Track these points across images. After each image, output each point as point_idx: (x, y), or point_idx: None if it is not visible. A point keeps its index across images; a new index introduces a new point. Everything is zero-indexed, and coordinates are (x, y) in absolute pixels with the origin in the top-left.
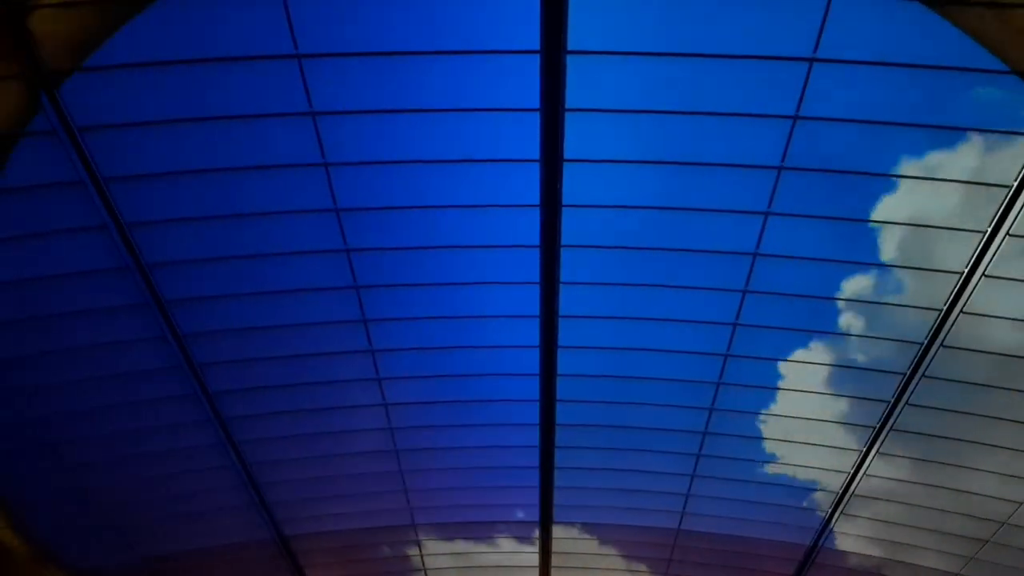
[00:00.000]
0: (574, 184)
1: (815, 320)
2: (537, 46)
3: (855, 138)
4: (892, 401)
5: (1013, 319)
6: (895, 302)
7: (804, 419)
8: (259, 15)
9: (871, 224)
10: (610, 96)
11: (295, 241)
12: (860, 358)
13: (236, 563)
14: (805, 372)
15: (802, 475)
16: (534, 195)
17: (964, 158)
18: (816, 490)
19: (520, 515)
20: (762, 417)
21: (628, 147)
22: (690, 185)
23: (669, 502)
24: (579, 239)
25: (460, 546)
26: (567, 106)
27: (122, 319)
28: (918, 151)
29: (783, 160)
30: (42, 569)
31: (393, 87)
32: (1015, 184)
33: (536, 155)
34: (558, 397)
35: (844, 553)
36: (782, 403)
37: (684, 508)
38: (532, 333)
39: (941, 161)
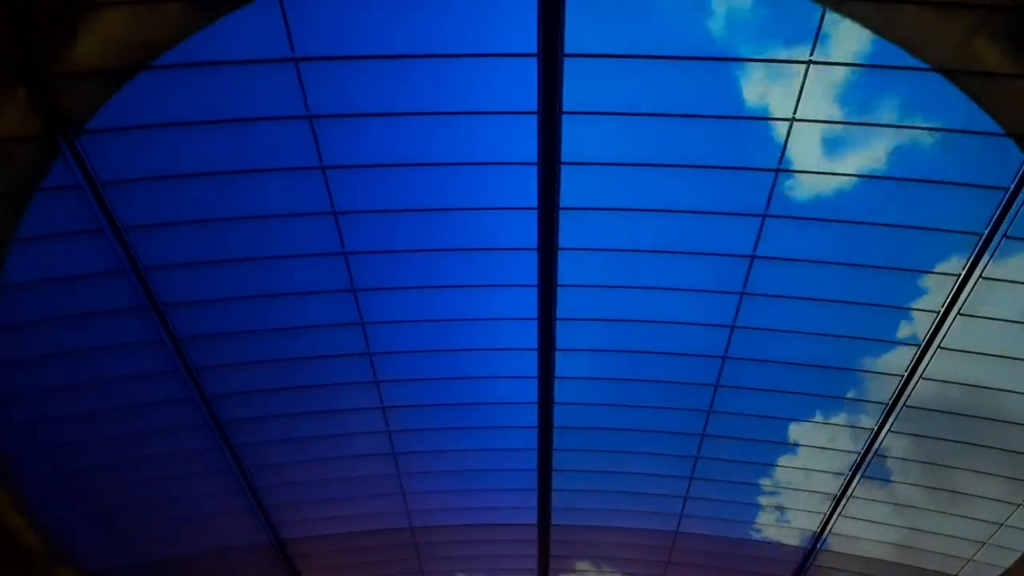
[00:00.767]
0: (572, 187)
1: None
2: (534, 49)
3: None
4: (889, 404)
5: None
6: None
7: (802, 421)
8: (257, 15)
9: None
10: (608, 98)
11: (292, 244)
12: (864, 363)
13: (233, 566)
14: (804, 373)
15: (800, 478)
16: (532, 198)
17: None
18: (814, 492)
19: (518, 517)
20: (760, 419)
21: (626, 150)
22: (688, 187)
23: (667, 504)
24: (577, 242)
25: (458, 549)
26: (564, 108)
27: (119, 322)
28: None
29: (780, 163)
30: (56, 567)
31: (391, 90)
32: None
33: (534, 157)
34: (556, 400)
35: (841, 555)
36: (780, 405)
37: (682, 510)
38: (530, 336)
39: None
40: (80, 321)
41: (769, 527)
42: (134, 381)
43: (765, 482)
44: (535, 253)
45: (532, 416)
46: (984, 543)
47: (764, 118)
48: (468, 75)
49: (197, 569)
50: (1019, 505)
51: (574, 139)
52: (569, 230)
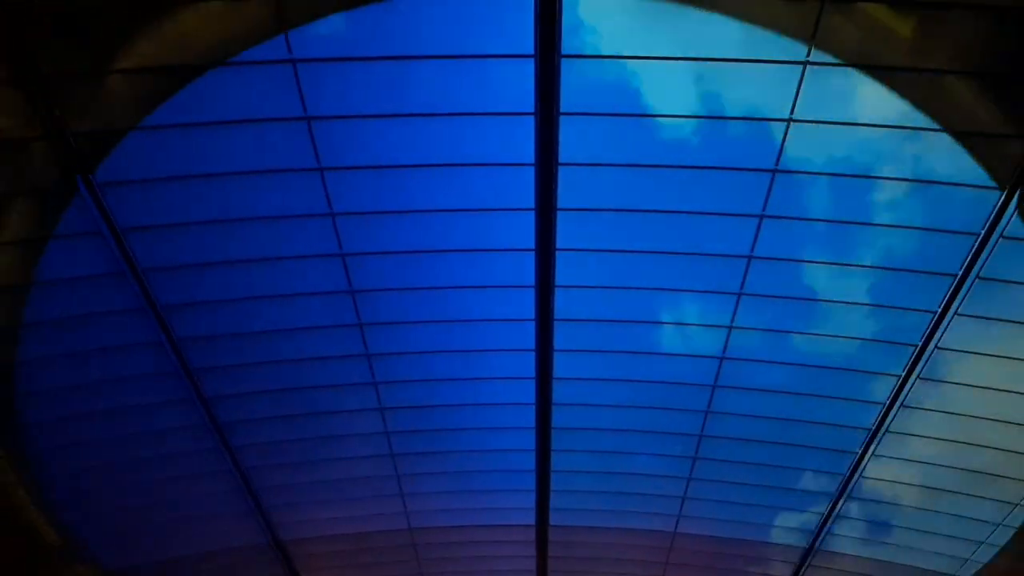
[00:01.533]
0: (569, 188)
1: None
2: (531, 50)
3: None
4: (887, 402)
5: None
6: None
7: (800, 422)
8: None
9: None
10: (605, 101)
11: (290, 245)
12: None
13: (232, 568)
14: (802, 375)
15: (798, 477)
16: (529, 199)
17: None
18: (812, 492)
19: (517, 518)
20: (758, 420)
21: (623, 150)
22: (686, 188)
23: (666, 505)
24: (574, 242)
25: (456, 550)
26: (562, 110)
27: (117, 324)
28: None
29: (777, 164)
30: (72, 565)
31: (388, 91)
32: None
33: (531, 159)
34: (554, 401)
35: (840, 555)
36: (778, 406)
37: (680, 511)
38: (528, 337)
39: None
40: (78, 322)
41: (767, 527)
42: (131, 382)
43: (763, 482)
44: (532, 254)
45: (530, 417)
46: (982, 543)
47: (761, 119)
48: (466, 76)
49: (196, 571)
50: (1016, 505)
51: (571, 140)
52: (566, 231)
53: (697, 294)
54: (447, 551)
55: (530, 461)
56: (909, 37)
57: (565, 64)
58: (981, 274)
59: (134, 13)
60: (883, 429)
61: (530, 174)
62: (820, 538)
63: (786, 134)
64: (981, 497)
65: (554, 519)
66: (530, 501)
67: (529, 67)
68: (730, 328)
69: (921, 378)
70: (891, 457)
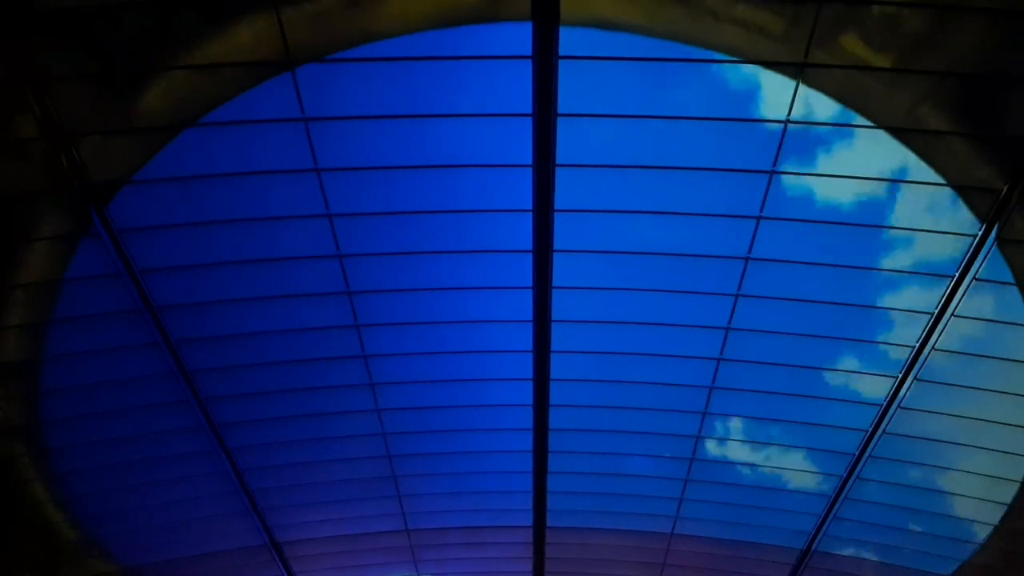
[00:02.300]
0: (567, 189)
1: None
2: (529, 51)
3: None
4: (884, 405)
5: None
6: (885, 307)
7: (798, 423)
8: None
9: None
10: (603, 101)
11: (287, 247)
12: (854, 363)
13: (228, 569)
14: (800, 375)
15: (795, 479)
16: (527, 200)
17: None
18: (809, 494)
19: (514, 520)
20: (755, 421)
21: (621, 152)
22: (683, 189)
23: (663, 507)
24: (572, 244)
25: (453, 551)
26: (560, 111)
27: (114, 325)
28: None
29: (774, 165)
30: (89, 560)
31: (386, 92)
32: None
33: (529, 160)
34: (552, 402)
35: (836, 557)
36: (776, 407)
37: (678, 512)
38: (526, 338)
39: None
40: (77, 324)
41: (764, 528)
42: (128, 384)
43: (760, 483)
44: (530, 255)
45: (528, 418)
46: (978, 543)
47: (759, 120)
48: (464, 77)
49: (192, 572)
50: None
51: (569, 141)
52: (564, 232)
53: (695, 295)
54: (444, 552)
55: (527, 462)
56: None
57: (563, 65)
58: (978, 275)
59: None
60: (880, 430)
61: (527, 175)
62: (817, 539)
63: (783, 136)
64: (976, 498)
65: (551, 520)
66: (527, 502)
67: (527, 68)
68: (727, 329)
69: (918, 380)
70: (888, 458)
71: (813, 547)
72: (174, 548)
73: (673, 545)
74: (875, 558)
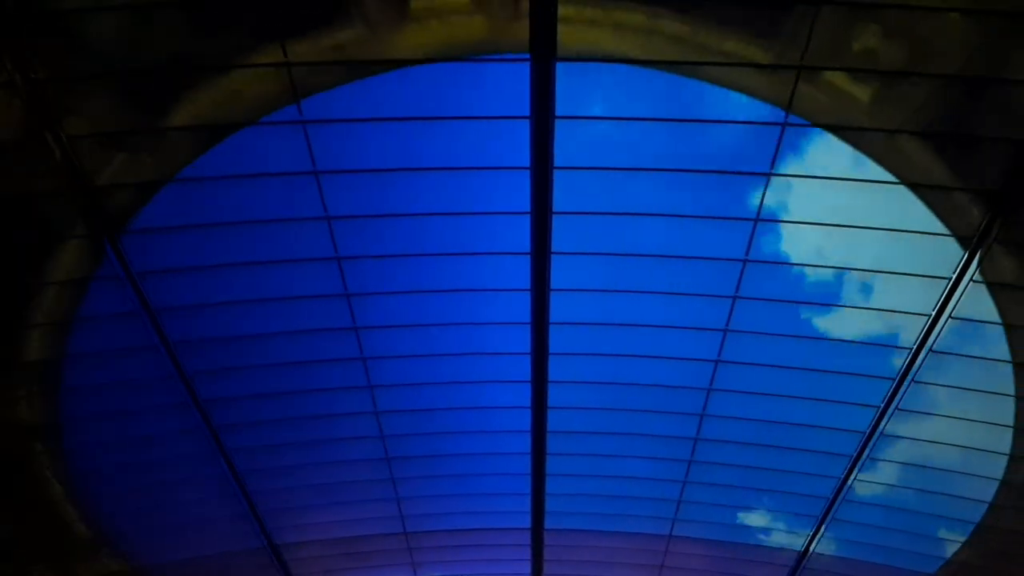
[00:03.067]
0: (564, 192)
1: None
2: (528, 54)
3: None
4: (881, 406)
5: None
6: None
7: (796, 425)
8: None
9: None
10: (601, 103)
11: (286, 249)
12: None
13: (227, 572)
14: (799, 376)
15: (793, 480)
16: (525, 203)
17: None
18: (807, 495)
19: (512, 522)
20: (754, 423)
21: (619, 154)
22: (681, 192)
23: (661, 508)
24: (569, 246)
25: (451, 553)
26: (557, 114)
27: (112, 327)
28: None
29: (772, 167)
30: (100, 556)
31: (384, 94)
32: None
33: (526, 163)
34: (550, 404)
35: (834, 559)
36: (774, 409)
37: (676, 514)
38: (524, 340)
39: None
40: (77, 326)
41: (762, 531)
42: (127, 387)
43: (758, 486)
44: (528, 257)
45: (526, 420)
46: (972, 542)
47: (756, 123)
48: (462, 79)
49: (190, 575)
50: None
51: (566, 143)
52: (562, 234)
53: (692, 297)
54: (442, 555)
55: (525, 464)
56: (867, 102)
57: (561, 67)
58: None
59: None
60: (878, 431)
61: (525, 178)
62: (815, 541)
63: (781, 136)
64: (969, 499)
65: (549, 523)
66: (525, 504)
67: (525, 71)
68: (725, 331)
69: (915, 382)
70: (886, 459)
71: (811, 549)
72: (172, 550)
73: (671, 547)
74: (875, 560)
